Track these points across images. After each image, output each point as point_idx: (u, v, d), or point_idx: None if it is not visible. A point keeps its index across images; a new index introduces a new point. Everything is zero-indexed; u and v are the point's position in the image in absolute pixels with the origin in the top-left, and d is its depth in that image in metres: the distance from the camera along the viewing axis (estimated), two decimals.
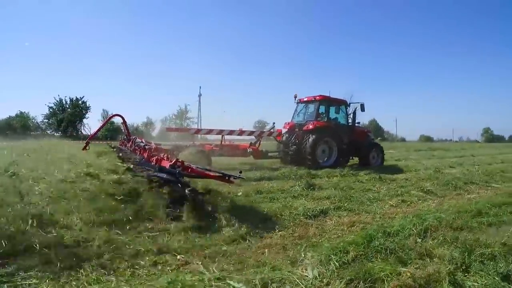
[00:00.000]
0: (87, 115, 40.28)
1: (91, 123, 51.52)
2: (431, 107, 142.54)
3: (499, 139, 77.86)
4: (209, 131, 8.15)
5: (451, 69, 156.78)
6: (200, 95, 43.37)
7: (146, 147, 5.59)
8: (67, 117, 36.10)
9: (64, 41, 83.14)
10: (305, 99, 10.36)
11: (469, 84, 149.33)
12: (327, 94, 10.22)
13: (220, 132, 8.02)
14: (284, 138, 10.02)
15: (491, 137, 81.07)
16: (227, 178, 3.66)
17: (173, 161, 3.76)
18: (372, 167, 9.65)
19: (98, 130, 9.13)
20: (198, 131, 7.58)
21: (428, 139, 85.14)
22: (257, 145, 9.29)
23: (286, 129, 10.22)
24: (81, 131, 37.70)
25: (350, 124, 10.53)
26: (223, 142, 8.33)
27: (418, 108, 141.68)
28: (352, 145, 10.17)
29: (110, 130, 32.30)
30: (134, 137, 7.39)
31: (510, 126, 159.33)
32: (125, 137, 8.21)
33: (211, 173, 3.77)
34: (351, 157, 10.71)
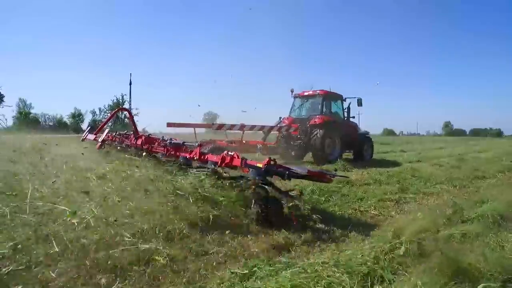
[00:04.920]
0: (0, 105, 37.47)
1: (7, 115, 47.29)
2: (398, 101, 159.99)
3: (459, 133, 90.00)
4: (232, 126, 9.10)
5: (419, 63, 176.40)
6: (130, 84, 42.21)
7: (186, 144, 5.87)
8: None
9: None
10: (306, 94, 11.90)
11: (436, 79, 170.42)
12: (309, 88, 11.93)
13: (242, 127, 9.10)
14: (284, 132, 11.43)
15: (451, 131, 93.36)
16: (329, 176, 4.12)
17: (267, 161, 3.97)
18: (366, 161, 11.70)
19: (103, 125, 9.28)
20: (220, 126, 8.35)
21: (391, 132, 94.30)
22: (276, 140, 10.68)
23: (285, 124, 11.65)
24: None
25: (346, 118, 12.43)
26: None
27: (386, 102, 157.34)
28: (348, 139, 12.03)
29: None
30: (148, 133, 7.83)
31: (472, 121, 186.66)
32: (127, 134, 8.47)
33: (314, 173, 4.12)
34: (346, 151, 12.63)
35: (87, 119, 48.00)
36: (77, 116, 48.74)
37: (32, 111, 44.17)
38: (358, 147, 12.39)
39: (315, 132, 10.51)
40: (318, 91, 11.58)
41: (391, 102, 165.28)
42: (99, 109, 47.02)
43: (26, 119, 41.99)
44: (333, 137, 11.01)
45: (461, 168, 9.72)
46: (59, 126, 45.50)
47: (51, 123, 47.51)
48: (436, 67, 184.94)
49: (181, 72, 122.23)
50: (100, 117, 48.72)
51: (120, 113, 53.96)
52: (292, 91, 12.30)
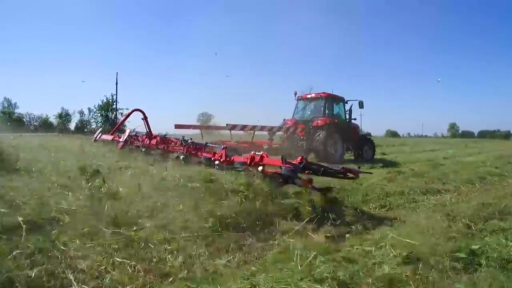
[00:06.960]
0: None
1: None
2: (404, 102, 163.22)
3: (466, 134, 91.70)
4: (243, 127, 10.14)
5: (426, 63, 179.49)
6: (117, 83, 43.03)
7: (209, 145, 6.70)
8: None
9: None
10: (309, 96, 13.00)
11: (444, 80, 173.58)
12: (308, 91, 13.17)
13: (253, 128, 10.21)
14: (288, 134, 12.51)
15: (456, 133, 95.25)
16: (357, 174, 4.68)
17: (300, 159, 4.63)
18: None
19: (119, 125, 10.17)
20: (233, 127, 9.36)
21: (394, 134, 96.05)
22: (282, 141, 11.83)
23: (288, 126, 12.77)
24: None
25: (347, 120, 13.52)
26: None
27: (392, 103, 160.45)
28: (350, 140, 13.09)
29: None
30: (165, 134, 8.17)
31: (482, 122, 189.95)
32: (137, 134, 9.17)
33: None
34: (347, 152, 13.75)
35: (75, 119, 48.35)
36: (64, 116, 49.14)
37: (17, 111, 44.74)
38: (358, 148, 13.51)
39: (318, 133, 11.52)
40: (320, 94, 12.66)
41: (397, 103, 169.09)
42: (88, 109, 47.41)
43: (9, 119, 42.52)
44: (335, 138, 11.98)
45: (424, 176, 8.09)
46: (44, 126, 45.93)
47: (36, 123, 47.87)
48: (443, 67, 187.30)
49: (176, 73, 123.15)
50: (89, 117, 49.08)
51: (110, 113, 54.74)
52: (295, 94, 13.43)
